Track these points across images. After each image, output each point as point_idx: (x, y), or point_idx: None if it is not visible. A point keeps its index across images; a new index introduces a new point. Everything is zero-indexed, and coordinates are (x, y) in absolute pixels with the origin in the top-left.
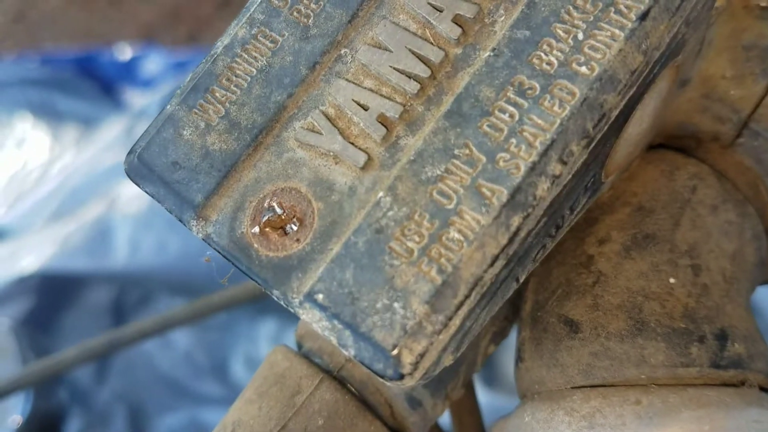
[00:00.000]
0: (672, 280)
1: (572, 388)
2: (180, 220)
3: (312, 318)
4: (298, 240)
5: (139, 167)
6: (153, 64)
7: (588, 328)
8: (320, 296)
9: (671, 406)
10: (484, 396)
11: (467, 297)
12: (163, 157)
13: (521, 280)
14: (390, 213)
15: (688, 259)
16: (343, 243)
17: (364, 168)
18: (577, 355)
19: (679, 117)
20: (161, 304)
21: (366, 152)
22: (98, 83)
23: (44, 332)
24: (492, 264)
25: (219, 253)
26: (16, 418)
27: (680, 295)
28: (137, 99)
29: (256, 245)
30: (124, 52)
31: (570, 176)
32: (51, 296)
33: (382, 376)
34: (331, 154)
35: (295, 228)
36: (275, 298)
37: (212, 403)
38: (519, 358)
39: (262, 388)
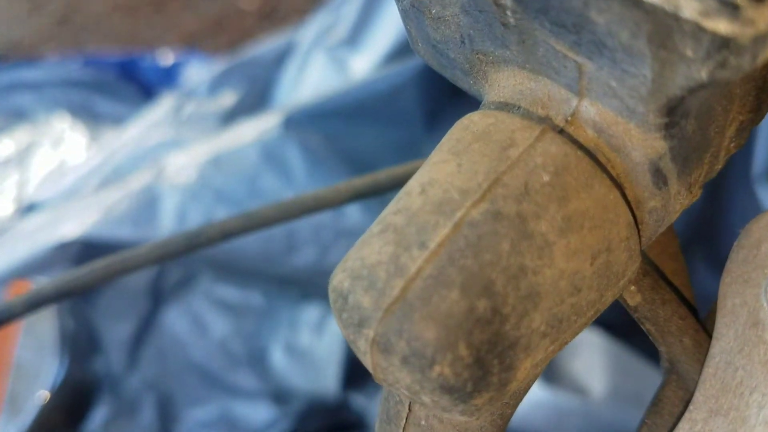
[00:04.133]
0: None
1: None
2: None
3: None
4: None
5: None
6: (193, 70)
7: None
8: None
9: None
10: (543, 392)
11: None
12: None
13: None
14: None
15: None
16: None
17: None
18: None
19: None
20: (203, 276)
21: None
22: (138, 87)
23: (83, 299)
24: None
25: None
26: (43, 394)
27: None
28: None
29: None
30: (166, 58)
31: None
32: None
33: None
34: None
35: None
36: None
37: (246, 396)
38: None
39: (457, 147)
